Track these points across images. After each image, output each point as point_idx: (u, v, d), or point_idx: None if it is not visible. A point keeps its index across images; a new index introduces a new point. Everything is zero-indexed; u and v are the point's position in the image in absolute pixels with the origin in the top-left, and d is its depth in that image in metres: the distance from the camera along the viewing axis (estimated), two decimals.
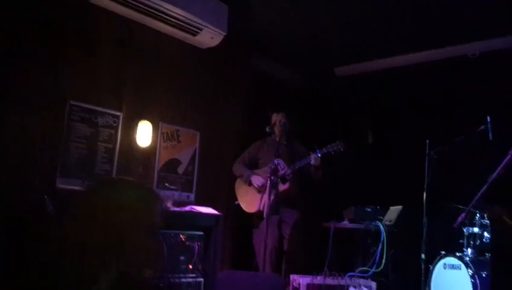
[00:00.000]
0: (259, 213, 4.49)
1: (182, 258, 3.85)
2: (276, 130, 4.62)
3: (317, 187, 4.88)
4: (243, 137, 5.19)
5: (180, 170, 4.68)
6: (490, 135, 3.90)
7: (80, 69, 4.00)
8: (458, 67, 5.14)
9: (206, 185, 4.88)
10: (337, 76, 6.01)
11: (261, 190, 4.54)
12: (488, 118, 3.95)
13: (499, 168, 2.68)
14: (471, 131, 4.07)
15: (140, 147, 4.38)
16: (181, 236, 3.86)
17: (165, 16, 4.21)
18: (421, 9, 4.45)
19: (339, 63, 5.86)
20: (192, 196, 4.72)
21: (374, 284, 4.04)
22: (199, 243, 4.00)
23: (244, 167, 4.76)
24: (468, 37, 4.90)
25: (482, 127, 3.97)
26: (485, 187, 3.18)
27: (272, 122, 4.68)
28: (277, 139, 4.59)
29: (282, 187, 4.47)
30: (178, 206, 4.19)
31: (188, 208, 4.18)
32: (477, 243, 3.95)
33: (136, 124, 4.36)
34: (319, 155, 4.38)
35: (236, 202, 4.72)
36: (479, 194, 3.45)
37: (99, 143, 4.10)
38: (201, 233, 4.04)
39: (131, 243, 1.31)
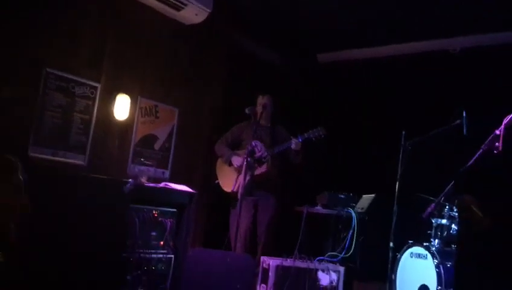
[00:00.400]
0: (234, 193, 4.50)
1: (153, 234, 3.84)
2: (260, 112, 4.61)
3: (297, 171, 4.91)
4: (223, 116, 5.17)
5: (157, 146, 4.65)
6: (465, 130, 3.97)
7: (59, 37, 3.92)
8: (439, 61, 5.20)
9: (183, 162, 4.86)
10: (319, 62, 6.01)
11: (240, 170, 4.54)
12: (464, 113, 4.02)
13: (470, 162, 2.73)
14: (447, 125, 4.13)
15: (117, 120, 4.32)
16: (154, 212, 3.84)
17: None
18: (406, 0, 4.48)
19: (321, 49, 5.86)
20: (167, 173, 4.70)
21: (342, 269, 4.11)
22: (172, 220, 3.99)
23: (226, 147, 4.74)
24: (450, 32, 4.95)
25: (458, 121, 4.04)
26: (454, 180, 3.25)
27: (257, 104, 4.67)
28: (258, 120, 4.59)
29: (260, 169, 4.48)
30: (153, 182, 4.16)
31: (162, 185, 4.16)
32: (445, 234, 4.05)
33: (114, 97, 4.30)
34: (300, 140, 4.40)
35: (217, 181, 4.72)
36: (449, 186, 3.53)
37: (75, 113, 4.03)
38: (174, 210, 4.02)
39: None
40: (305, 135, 4.41)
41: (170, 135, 4.76)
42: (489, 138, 2.82)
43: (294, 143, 4.40)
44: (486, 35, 4.87)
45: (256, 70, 5.60)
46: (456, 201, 3.89)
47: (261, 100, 4.69)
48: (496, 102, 4.56)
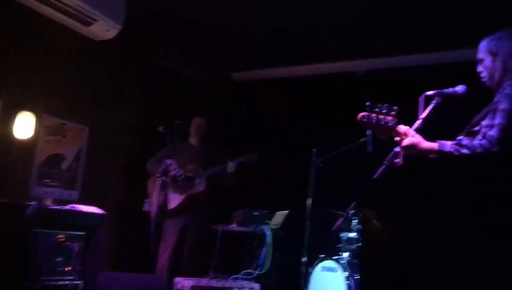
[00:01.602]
0: (149, 213, 4.36)
1: (59, 259, 3.61)
2: (194, 133, 4.74)
3: (229, 193, 4.95)
4: (139, 135, 5.04)
5: (64, 165, 4.42)
6: (369, 147, 4.20)
7: None
8: (346, 82, 5.46)
9: (93, 183, 4.66)
10: (234, 80, 6.08)
11: (175, 188, 4.46)
12: (369, 131, 4.25)
13: (373, 177, 2.88)
14: (354, 142, 4.34)
15: (19, 139, 4.06)
16: (60, 236, 3.63)
17: (54, 1, 3.96)
18: (314, 22, 4.67)
19: (236, 68, 5.94)
20: (75, 194, 4.47)
21: (257, 286, 4.13)
22: (80, 244, 3.80)
23: (158, 165, 4.62)
24: (356, 54, 5.23)
25: (363, 139, 4.26)
26: (357, 195, 3.42)
27: (192, 124, 4.72)
28: (192, 142, 4.74)
29: (198, 188, 4.44)
30: (59, 205, 3.94)
31: (69, 207, 3.95)
32: (354, 247, 4.22)
33: (16, 114, 4.05)
34: (235, 164, 4.45)
35: (147, 199, 4.58)
36: (354, 202, 3.70)
37: None
38: (82, 233, 3.83)
39: None
40: (241, 159, 4.48)
41: (79, 154, 4.55)
42: (391, 154, 2.99)
43: (230, 166, 4.45)
44: (388, 58, 5.21)
45: (174, 87, 5.54)
46: (359, 215, 4.08)
47: (197, 121, 4.73)
48: (398, 121, 4.87)
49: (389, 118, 2.27)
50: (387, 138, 2.30)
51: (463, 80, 2.61)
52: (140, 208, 4.46)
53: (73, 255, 3.73)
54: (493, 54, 2.47)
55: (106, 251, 4.61)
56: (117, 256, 4.79)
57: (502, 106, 2.18)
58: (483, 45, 2.52)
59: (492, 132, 2.12)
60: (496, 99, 2.28)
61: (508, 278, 1.44)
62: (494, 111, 2.20)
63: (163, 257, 4.36)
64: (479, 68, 2.54)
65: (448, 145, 2.20)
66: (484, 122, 2.21)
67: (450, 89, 2.60)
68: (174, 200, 4.48)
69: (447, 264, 1.53)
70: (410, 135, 2.25)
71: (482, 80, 2.52)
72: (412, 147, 2.21)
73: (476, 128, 2.29)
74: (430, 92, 2.64)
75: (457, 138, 2.42)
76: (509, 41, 2.47)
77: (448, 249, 1.54)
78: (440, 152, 2.18)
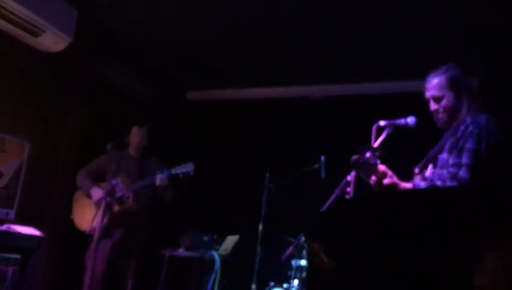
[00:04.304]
0: (89, 234, 4.07)
1: None
2: (133, 143, 4.33)
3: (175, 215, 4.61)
4: (84, 151, 4.81)
5: (2, 183, 4.14)
6: (323, 173, 4.17)
7: None
8: (302, 107, 5.47)
9: (33, 201, 4.39)
10: (188, 100, 5.99)
11: (99, 205, 4.08)
12: (322, 157, 4.23)
13: (324, 207, 2.84)
14: (308, 168, 4.30)
15: None
16: None
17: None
18: (271, 45, 4.66)
19: (191, 87, 5.86)
20: (12, 213, 4.19)
21: None
22: (14, 268, 3.56)
23: (88, 177, 4.24)
24: (311, 80, 5.26)
25: (317, 165, 4.23)
26: (306, 225, 3.36)
27: (131, 134, 4.34)
28: (131, 152, 4.33)
29: (120, 207, 4.08)
30: None
31: (4, 227, 3.69)
32: (304, 275, 4.14)
33: None
34: (166, 176, 4.00)
35: (71, 217, 4.22)
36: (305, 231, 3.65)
37: None
38: (17, 256, 3.59)
39: None
40: (172, 170, 4.01)
41: (18, 170, 4.28)
42: (342, 183, 2.96)
43: (159, 179, 3.98)
44: (344, 85, 5.26)
45: (123, 103, 5.36)
46: (306, 247, 4.02)
47: (137, 131, 4.34)
48: (352, 148, 4.90)
49: (370, 156, 2.25)
50: (368, 179, 2.24)
51: (413, 110, 2.63)
52: (81, 230, 4.21)
53: (7, 280, 3.49)
54: (456, 90, 2.34)
55: (44, 276, 4.33)
56: (55, 281, 4.51)
57: (469, 145, 2.16)
58: (440, 81, 2.36)
59: (463, 173, 2.12)
60: (458, 135, 2.23)
61: None
62: (460, 149, 2.17)
63: (94, 282, 3.97)
64: (435, 106, 2.38)
65: (422, 186, 2.20)
66: (451, 161, 2.19)
67: (402, 120, 2.60)
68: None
69: None
70: (389, 175, 2.21)
71: (440, 119, 2.38)
72: (392, 186, 2.18)
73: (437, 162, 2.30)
74: (383, 122, 2.63)
75: (415, 171, 2.43)
76: (466, 75, 2.38)
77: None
78: None
